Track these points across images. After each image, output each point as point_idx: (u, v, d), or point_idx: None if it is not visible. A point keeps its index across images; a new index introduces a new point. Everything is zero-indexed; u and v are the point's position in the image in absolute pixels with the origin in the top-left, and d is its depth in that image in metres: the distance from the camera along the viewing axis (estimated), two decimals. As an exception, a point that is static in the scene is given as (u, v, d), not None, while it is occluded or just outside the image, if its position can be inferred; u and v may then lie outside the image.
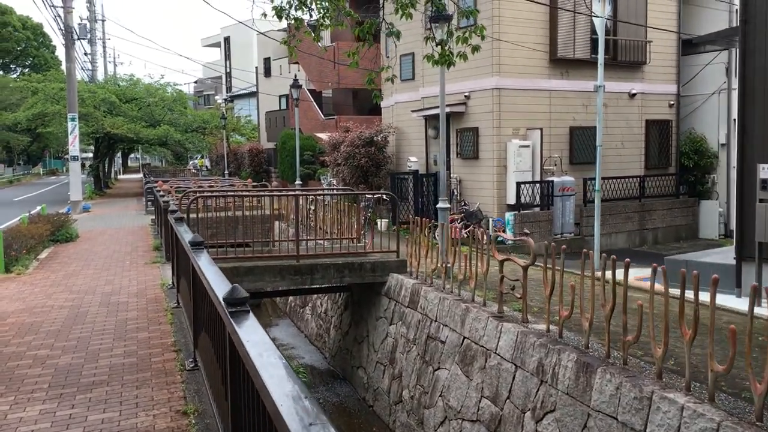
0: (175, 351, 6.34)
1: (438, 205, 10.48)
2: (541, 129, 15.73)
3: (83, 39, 31.96)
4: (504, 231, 14.85)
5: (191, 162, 60.91)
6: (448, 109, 16.56)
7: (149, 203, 21.71)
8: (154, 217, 18.14)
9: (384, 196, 16.13)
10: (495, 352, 7.25)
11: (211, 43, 64.98)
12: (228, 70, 58.13)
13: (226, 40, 59.78)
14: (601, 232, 17.03)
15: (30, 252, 12.12)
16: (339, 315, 12.42)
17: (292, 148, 29.24)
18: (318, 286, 10.54)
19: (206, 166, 55.19)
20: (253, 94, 47.01)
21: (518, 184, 15.01)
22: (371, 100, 31.82)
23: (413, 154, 18.39)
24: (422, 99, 17.70)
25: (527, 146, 15.46)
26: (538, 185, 15.39)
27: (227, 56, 58.83)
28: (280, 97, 37.91)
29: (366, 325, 11.06)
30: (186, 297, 6.80)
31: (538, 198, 15.35)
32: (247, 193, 13.45)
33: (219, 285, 3.62)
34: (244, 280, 9.92)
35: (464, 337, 7.97)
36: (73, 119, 23.65)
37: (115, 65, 59.35)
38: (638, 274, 10.12)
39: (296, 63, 33.56)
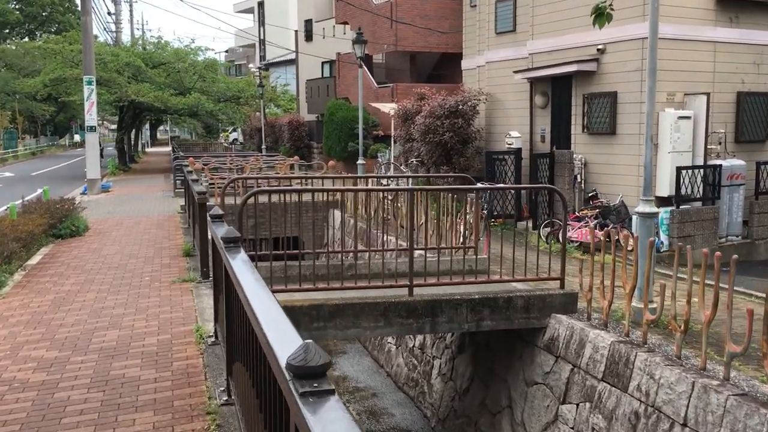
0: None
1: (638, 208, 6.49)
2: (708, 94, 11.56)
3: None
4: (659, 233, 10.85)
5: (227, 134, 57.14)
6: (572, 68, 12.50)
7: (179, 182, 18.06)
8: (183, 203, 14.46)
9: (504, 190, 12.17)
10: None
11: (244, 8, 61.17)
12: (262, 37, 54.20)
13: (260, 4, 55.82)
14: (765, 235, 13.02)
15: (9, 261, 8.48)
16: (449, 359, 8.57)
17: (341, 120, 25.30)
18: (442, 334, 6.69)
19: (238, 140, 51.42)
20: (290, 62, 43.03)
21: (678, 169, 10.96)
22: (431, 65, 27.81)
23: (512, 128, 14.34)
24: (530, 56, 13.58)
25: (687, 117, 11.34)
26: (701, 171, 11.32)
27: (261, 22, 54.93)
28: (323, 63, 33.84)
29: (506, 387, 7.21)
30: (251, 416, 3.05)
31: (700, 188, 11.29)
32: (331, 187, 9.58)
33: None
34: (329, 326, 6.16)
35: (783, 482, 4.08)
36: (89, 82, 20.08)
37: (143, 32, 55.54)
38: None
39: (344, 23, 29.50)
